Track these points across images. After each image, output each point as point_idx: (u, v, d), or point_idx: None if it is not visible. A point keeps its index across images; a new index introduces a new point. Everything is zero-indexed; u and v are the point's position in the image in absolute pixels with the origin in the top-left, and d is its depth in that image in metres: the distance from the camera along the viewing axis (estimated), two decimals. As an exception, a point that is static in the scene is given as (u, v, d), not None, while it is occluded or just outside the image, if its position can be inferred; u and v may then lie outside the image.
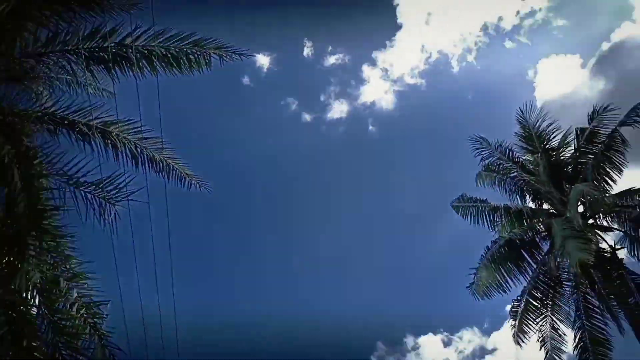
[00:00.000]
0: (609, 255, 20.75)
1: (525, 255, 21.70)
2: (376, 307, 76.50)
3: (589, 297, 21.44)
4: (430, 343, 70.34)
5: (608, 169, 20.96)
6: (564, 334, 21.88)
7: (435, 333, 71.73)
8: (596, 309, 21.34)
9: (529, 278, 21.70)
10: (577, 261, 17.32)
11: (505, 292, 21.58)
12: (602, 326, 21.24)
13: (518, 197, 22.49)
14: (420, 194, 52.72)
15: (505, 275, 21.35)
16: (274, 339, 45.32)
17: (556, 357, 21.87)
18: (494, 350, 69.81)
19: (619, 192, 20.76)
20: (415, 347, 71.16)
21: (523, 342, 21.80)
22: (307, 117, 50.93)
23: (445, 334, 68.75)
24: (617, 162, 20.81)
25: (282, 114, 51.17)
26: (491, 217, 22.71)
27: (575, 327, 21.59)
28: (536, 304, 21.72)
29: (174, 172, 16.02)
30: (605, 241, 20.98)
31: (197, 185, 16.65)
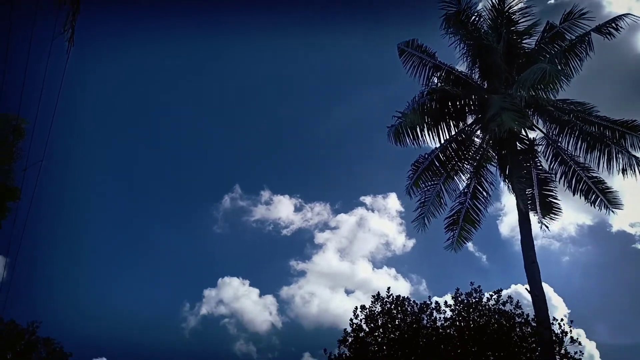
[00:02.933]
0: (526, 146, 21.34)
1: (449, 118, 21.69)
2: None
3: (483, 180, 22.31)
4: (282, 203, 72.52)
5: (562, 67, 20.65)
6: (444, 204, 22.73)
7: (291, 197, 74.22)
8: (483, 193, 22.39)
9: (442, 141, 21.82)
10: (507, 128, 17.62)
11: (419, 145, 21.55)
12: (482, 209, 22.47)
13: (468, 63, 22.05)
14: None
15: (425, 128, 21.22)
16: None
17: (425, 220, 22.60)
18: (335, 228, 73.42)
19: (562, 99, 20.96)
20: (269, 202, 72.95)
21: (413, 195, 22.20)
22: None
23: (300, 200, 71.31)
24: (573, 66, 20.92)
25: None
26: (429, 74, 22.41)
27: (456, 202, 22.60)
28: (437, 166, 22.08)
29: None
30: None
31: None
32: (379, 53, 60.44)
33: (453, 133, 21.87)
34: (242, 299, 62.23)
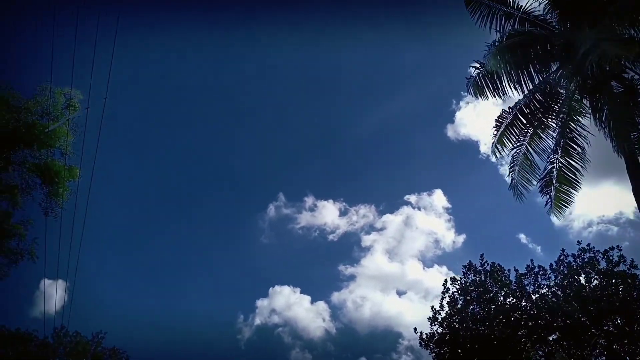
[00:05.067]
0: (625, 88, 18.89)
1: (531, 65, 19.47)
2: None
3: (575, 135, 19.87)
4: (327, 208, 71.27)
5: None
6: (536, 165, 20.46)
7: (335, 201, 73.01)
8: (577, 149, 19.92)
9: (526, 92, 19.62)
10: (612, 57, 15.39)
11: (501, 96, 19.58)
12: (578, 167, 19.98)
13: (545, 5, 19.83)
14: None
15: (506, 77, 19.15)
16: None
17: (519, 188, 20.42)
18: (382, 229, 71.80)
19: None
20: (313, 208, 71.76)
21: (500, 154, 20.13)
22: None
23: (345, 204, 69.93)
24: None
25: None
26: (502, 23, 20.35)
27: (548, 161, 20.30)
28: (523, 121, 19.99)
29: None
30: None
31: None
32: (415, 49, 58.80)
33: (537, 82, 19.65)
34: (294, 307, 61.15)
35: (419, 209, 71.49)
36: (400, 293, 76.84)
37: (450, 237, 70.77)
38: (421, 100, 70.08)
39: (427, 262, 72.69)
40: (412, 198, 70.37)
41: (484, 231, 72.10)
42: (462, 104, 73.96)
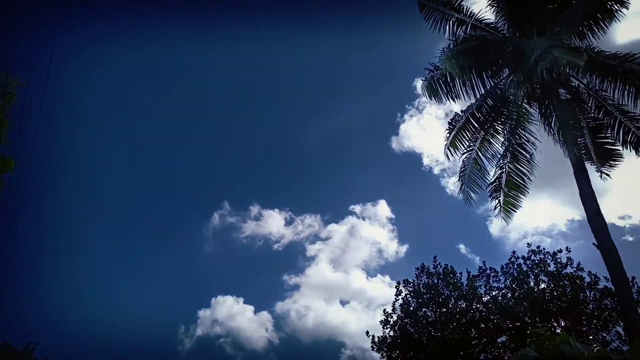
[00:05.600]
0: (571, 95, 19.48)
1: (483, 70, 19.97)
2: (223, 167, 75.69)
3: (523, 141, 20.36)
4: (272, 217, 71.21)
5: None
6: (485, 170, 20.88)
7: (281, 210, 73.03)
8: (525, 155, 20.41)
9: (477, 96, 20.05)
10: (563, 63, 15.92)
11: (454, 99, 19.95)
12: (526, 172, 20.45)
13: (496, 14, 20.35)
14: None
15: (462, 78, 19.57)
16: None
17: (469, 193, 20.82)
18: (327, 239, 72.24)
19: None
20: (259, 217, 71.61)
21: (452, 156, 20.59)
22: None
23: (290, 213, 69.88)
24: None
25: None
26: (454, 29, 20.71)
27: (497, 166, 20.71)
28: (475, 125, 20.40)
29: None
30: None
31: None
32: (361, 58, 59.41)
33: (489, 87, 20.14)
34: (237, 317, 60.74)
35: (364, 219, 72.08)
36: (343, 302, 77.00)
37: (393, 247, 71.51)
38: (367, 111, 70.62)
39: (370, 272, 73.20)
40: (357, 208, 70.83)
41: (426, 241, 73.12)
42: (406, 116, 75.05)
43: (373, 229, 72.65)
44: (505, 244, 61.05)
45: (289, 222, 74.87)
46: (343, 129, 76.34)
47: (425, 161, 72.07)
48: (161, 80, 68.66)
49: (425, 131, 73.83)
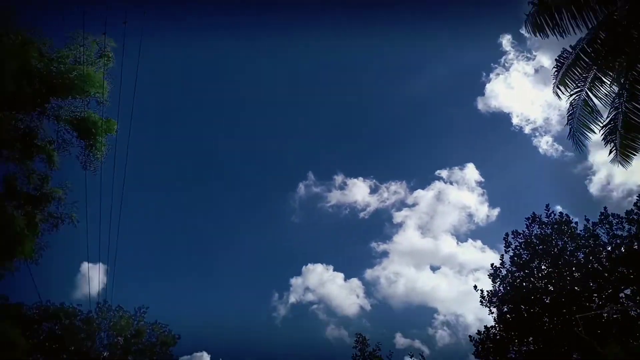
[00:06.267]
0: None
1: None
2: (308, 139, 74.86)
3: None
4: (357, 186, 70.24)
5: None
6: (597, 111, 18.43)
7: (365, 179, 71.80)
8: (646, 91, 17.67)
9: (589, 29, 17.50)
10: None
11: (561, 33, 17.65)
12: (644, 111, 17.78)
13: None
14: None
15: (569, 10, 17.10)
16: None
17: (579, 138, 18.56)
18: (414, 205, 70.37)
19: None
20: (343, 186, 70.95)
21: (562, 94, 18.47)
22: None
23: (375, 181, 68.54)
24: None
25: None
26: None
27: (612, 107, 18.16)
28: (585, 61, 17.90)
29: None
30: None
31: None
32: (443, 22, 55.71)
33: (601, 18, 17.43)
34: (327, 284, 61.23)
35: (451, 183, 69.81)
36: (434, 268, 76.07)
37: (483, 211, 69.43)
38: (450, 73, 66.58)
39: (460, 237, 71.64)
40: (444, 173, 68.71)
41: (519, 204, 69.77)
42: (492, 76, 70.52)
43: (461, 193, 69.99)
44: (607, 203, 56.31)
45: (373, 190, 73.68)
46: (427, 94, 72.92)
47: (515, 121, 67.69)
48: (244, 63, 68.44)
49: (514, 90, 68.94)
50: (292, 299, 58.96)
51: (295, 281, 61.19)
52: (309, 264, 63.19)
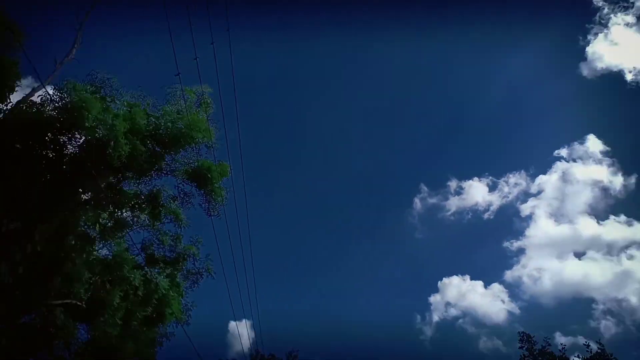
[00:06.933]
0: None
1: None
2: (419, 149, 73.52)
3: None
4: (474, 187, 67.60)
5: None
6: None
7: (480, 178, 68.98)
8: None
9: None
10: None
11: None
12: None
13: None
14: None
15: None
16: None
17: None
18: (539, 193, 66.45)
19: None
20: (459, 191, 68.56)
21: None
22: None
23: (491, 177, 65.61)
24: None
25: None
26: None
27: None
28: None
29: None
30: None
31: None
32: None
33: None
34: (468, 295, 58.69)
35: (574, 160, 65.29)
36: (578, 255, 70.82)
37: (618, 182, 64.00)
38: (543, 46, 62.89)
39: (600, 215, 66.26)
40: (563, 151, 64.32)
41: None
42: (589, 37, 65.76)
43: (588, 169, 65.25)
44: None
45: (492, 187, 70.48)
46: (522, 74, 69.47)
47: (629, 77, 62.53)
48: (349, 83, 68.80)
49: (619, 45, 64.02)
50: (435, 317, 57.23)
51: (434, 299, 59.53)
52: (444, 279, 61.52)
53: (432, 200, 65.37)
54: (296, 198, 71.65)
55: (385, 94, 70.64)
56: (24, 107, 19.40)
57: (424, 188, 64.96)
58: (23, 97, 20.23)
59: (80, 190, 19.88)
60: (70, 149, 19.26)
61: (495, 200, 63.64)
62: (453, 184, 65.33)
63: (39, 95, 19.76)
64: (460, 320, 55.44)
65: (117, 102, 19.53)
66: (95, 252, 21.77)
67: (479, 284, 58.23)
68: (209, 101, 21.93)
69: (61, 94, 18.64)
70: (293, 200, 71.32)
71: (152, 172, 20.66)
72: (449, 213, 64.44)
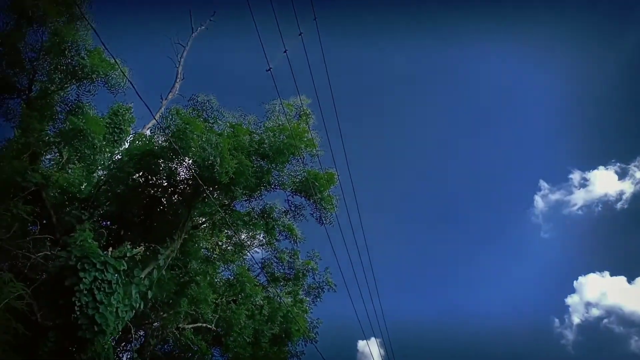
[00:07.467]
0: None
1: None
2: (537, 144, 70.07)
3: None
4: (600, 176, 63.29)
5: None
6: None
7: (606, 165, 64.65)
8: None
9: None
10: None
11: None
12: None
13: None
14: None
15: None
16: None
17: None
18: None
19: None
20: (584, 182, 64.40)
21: None
22: None
23: (618, 164, 61.25)
24: None
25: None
26: None
27: None
28: None
29: None
30: None
31: None
32: None
33: None
34: (610, 293, 53.54)
35: None
36: None
37: None
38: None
39: None
40: None
41: None
42: None
43: None
44: None
45: (621, 175, 64.60)
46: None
47: None
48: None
49: None
50: (576, 319, 52.88)
51: (572, 299, 54.97)
52: (580, 277, 56.64)
53: (555, 197, 61.38)
54: (409, 204, 69.61)
55: (482, 94, 68.13)
56: (137, 143, 20.53)
57: (544, 184, 61.27)
58: (136, 134, 21.53)
59: (196, 213, 20.61)
60: (181, 174, 20.06)
61: (628, 187, 58.64)
62: (576, 176, 60.92)
63: (148, 127, 20.93)
64: (605, 321, 51.17)
65: (220, 122, 20.23)
66: (218, 273, 22.35)
67: (622, 279, 53.67)
68: (308, 112, 22.23)
69: (166, 121, 19.48)
70: (407, 207, 69.30)
71: (261, 187, 21.02)
72: (576, 207, 60.12)
